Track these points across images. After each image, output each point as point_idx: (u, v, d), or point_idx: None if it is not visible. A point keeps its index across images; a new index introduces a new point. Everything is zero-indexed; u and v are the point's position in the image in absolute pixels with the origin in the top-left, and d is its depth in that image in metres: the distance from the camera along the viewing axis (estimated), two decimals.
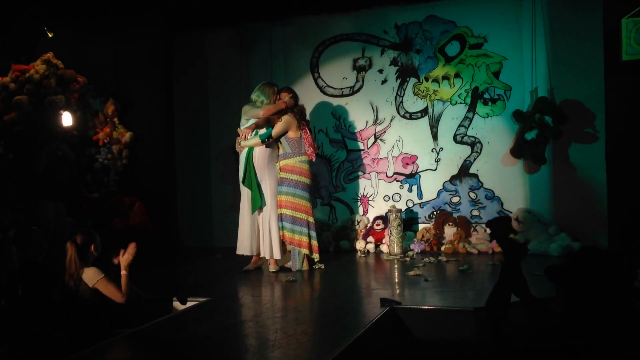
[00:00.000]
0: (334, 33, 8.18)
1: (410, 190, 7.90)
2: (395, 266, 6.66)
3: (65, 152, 7.51)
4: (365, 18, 8.01)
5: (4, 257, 4.15)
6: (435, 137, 7.79)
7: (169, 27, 8.00)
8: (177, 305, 5.19)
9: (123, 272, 4.58)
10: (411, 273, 5.99)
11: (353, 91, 8.13)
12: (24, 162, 6.92)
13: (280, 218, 6.38)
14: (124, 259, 4.63)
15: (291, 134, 6.39)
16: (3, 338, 3.14)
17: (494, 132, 7.54)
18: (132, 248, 4.71)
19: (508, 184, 7.50)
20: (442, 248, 7.33)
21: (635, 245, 4.01)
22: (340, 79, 8.17)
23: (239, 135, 6.42)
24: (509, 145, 7.37)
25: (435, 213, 7.75)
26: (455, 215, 7.61)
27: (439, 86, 7.75)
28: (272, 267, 6.40)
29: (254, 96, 6.49)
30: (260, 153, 6.37)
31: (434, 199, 7.80)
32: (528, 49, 7.33)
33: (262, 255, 6.46)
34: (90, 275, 4.44)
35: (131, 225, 7.52)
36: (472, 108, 7.62)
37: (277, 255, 6.36)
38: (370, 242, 7.61)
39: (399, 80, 7.93)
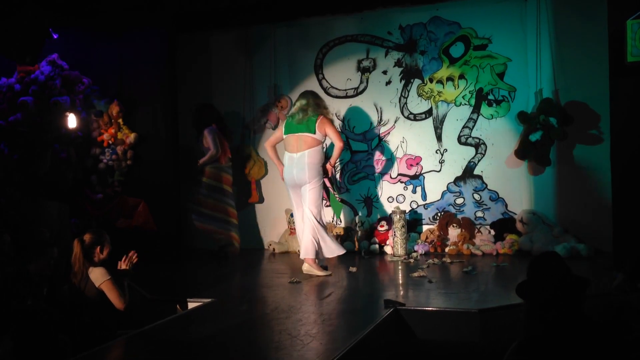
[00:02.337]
0: (338, 34, 8.18)
1: (414, 191, 7.89)
2: (399, 267, 6.65)
3: (69, 154, 7.54)
4: (370, 19, 8.01)
5: (42, 259, 4.28)
6: (439, 138, 7.78)
7: (173, 28, 8.00)
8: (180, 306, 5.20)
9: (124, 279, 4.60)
10: (415, 274, 5.98)
11: (357, 92, 8.13)
12: (28, 163, 6.94)
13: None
14: (124, 266, 4.64)
15: None
16: (7, 334, 3.16)
17: (499, 133, 7.53)
18: (131, 256, 4.71)
19: (512, 185, 7.48)
20: (446, 249, 7.32)
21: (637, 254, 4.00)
22: (345, 80, 8.16)
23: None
24: (514, 146, 7.36)
25: (439, 214, 7.74)
26: (459, 216, 7.59)
27: (444, 87, 7.74)
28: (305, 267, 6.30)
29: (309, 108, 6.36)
30: (314, 154, 6.30)
31: (438, 200, 7.79)
32: (533, 50, 7.32)
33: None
34: (97, 275, 4.44)
35: (135, 225, 7.53)
36: (476, 109, 7.61)
37: (310, 254, 6.23)
38: (374, 244, 7.60)
39: (403, 82, 7.92)
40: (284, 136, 6.43)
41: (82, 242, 4.52)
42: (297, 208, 6.45)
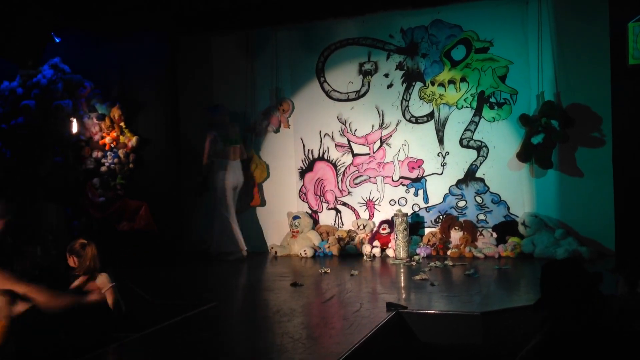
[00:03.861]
0: (340, 37, 8.18)
1: (416, 194, 7.89)
2: (401, 270, 6.64)
3: (67, 156, 7.57)
4: (371, 22, 8.01)
5: (23, 257, 4.25)
6: (441, 141, 7.78)
7: (175, 32, 8.02)
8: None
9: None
10: (417, 277, 5.98)
11: (359, 95, 8.13)
12: (29, 165, 6.96)
13: None
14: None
15: None
16: (10, 337, 3.16)
17: (500, 136, 7.52)
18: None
19: (514, 188, 7.48)
20: (448, 252, 7.31)
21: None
22: (346, 83, 8.17)
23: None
24: (515, 149, 7.35)
25: (441, 217, 7.73)
26: (461, 219, 7.58)
27: (445, 90, 7.74)
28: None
29: None
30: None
31: (440, 203, 7.78)
32: (534, 53, 7.31)
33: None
34: (104, 280, 4.43)
35: (137, 228, 7.54)
36: (478, 112, 7.61)
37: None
38: (376, 247, 7.60)
39: (404, 85, 7.92)
40: (223, 146, 7.76)
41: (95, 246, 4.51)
42: (232, 208, 7.83)
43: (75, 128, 7.67)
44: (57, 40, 7.68)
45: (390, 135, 7.99)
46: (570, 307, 2.28)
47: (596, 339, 2.23)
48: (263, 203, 8.51)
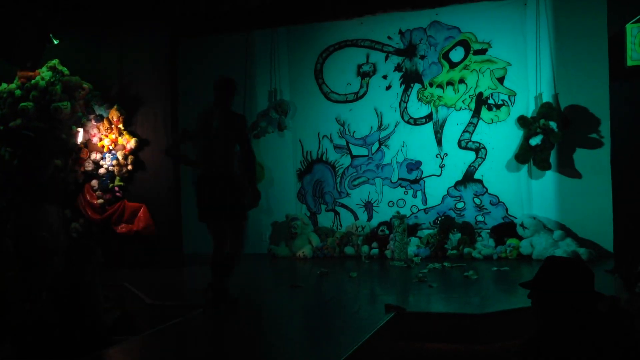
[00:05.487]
0: (338, 39, 8.19)
1: (414, 196, 7.89)
2: (400, 272, 6.64)
3: (66, 159, 7.56)
4: (370, 24, 8.02)
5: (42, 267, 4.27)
6: (439, 142, 7.79)
7: (174, 33, 8.02)
8: None
9: None
10: (416, 279, 5.97)
11: (357, 97, 8.13)
12: (34, 168, 6.93)
13: None
14: None
15: None
16: (5, 337, 3.16)
17: (499, 137, 7.53)
18: None
19: (513, 189, 7.48)
20: (447, 254, 7.31)
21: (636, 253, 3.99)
22: (345, 84, 8.17)
23: None
24: (514, 150, 7.36)
25: (439, 219, 7.73)
26: (459, 221, 7.59)
27: (443, 92, 7.75)
28: None
29: None
30: None
31: (439, 204, 7.78)
32: (532, 55, 7.33)
33: None
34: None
35: (136, 230, 7.53)
36: (476, 114, 7.62)
37: None
38: (375, 248, 7.60)
39: (403, 86, 7.93)
40: None
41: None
42: None
43: (80, 137, 7.75)
44: (56, 42, 7.67)
45: (389, 137, 7.99)
46: (561, 307, 2.28)
47: (586, 340, 2.23)
48: (259, 204, 8.47)
